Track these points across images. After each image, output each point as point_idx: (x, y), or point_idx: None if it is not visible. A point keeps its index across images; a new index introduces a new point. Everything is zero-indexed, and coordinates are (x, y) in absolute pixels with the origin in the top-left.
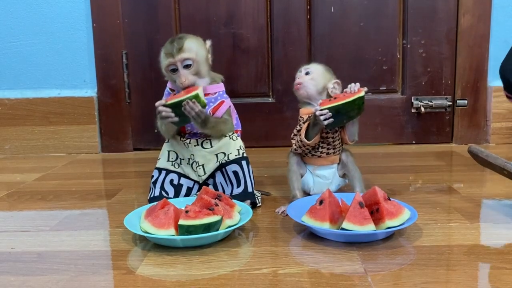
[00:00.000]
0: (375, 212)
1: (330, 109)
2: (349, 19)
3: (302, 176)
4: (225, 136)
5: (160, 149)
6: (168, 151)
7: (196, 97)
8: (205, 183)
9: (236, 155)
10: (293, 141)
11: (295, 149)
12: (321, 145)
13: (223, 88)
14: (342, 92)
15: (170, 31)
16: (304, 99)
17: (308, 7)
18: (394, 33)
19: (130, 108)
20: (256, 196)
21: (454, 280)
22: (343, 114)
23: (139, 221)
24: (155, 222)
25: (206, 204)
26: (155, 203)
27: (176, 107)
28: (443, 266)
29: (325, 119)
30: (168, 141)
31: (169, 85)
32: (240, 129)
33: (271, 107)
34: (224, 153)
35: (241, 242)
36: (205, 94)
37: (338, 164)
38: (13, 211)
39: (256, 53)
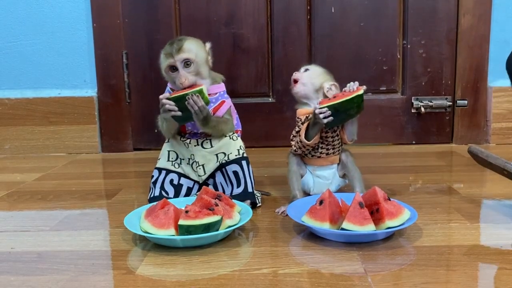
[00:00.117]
0: (375, 212)
1: (329, 107)
2: (349, 19)
3: (302, 177)
4: (225, 136)
5: (160, 149)
6: (168, 151)
7: (200, 92)
8: (205, 183)
9: (236, 155)
10: (293, 143)
11: (295, 150)
12: (320, 145)
13: (224, 88)
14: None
15: (170, 31)
16: (301, 98)
17: (308, 7)
18: (394, 33)
19: (130, 108)
20: (256, 196)
21: (454, 281)
22: (342, 112)
23: (139, 221)
24: (155, 222)
25: (206, 204)
26: (155, 203)
27: (180, 101)
28: (443, 266)
29: (325, 118)
30: (168, 141)
31: (169, 85)
32: (240, 129)
33: (271, 107)
34: (224, 153)
35: (241, 242)
36: None
37: (338, 164)
38: (13, 211)
39: (256, 53)
